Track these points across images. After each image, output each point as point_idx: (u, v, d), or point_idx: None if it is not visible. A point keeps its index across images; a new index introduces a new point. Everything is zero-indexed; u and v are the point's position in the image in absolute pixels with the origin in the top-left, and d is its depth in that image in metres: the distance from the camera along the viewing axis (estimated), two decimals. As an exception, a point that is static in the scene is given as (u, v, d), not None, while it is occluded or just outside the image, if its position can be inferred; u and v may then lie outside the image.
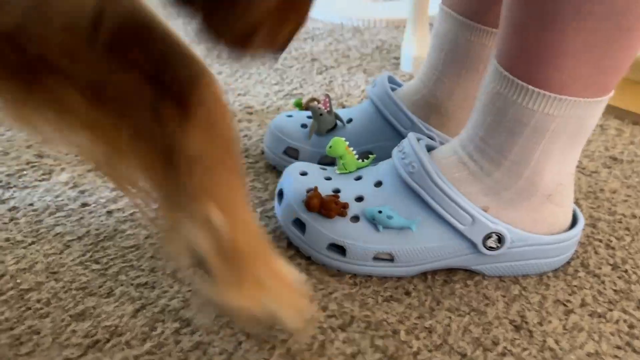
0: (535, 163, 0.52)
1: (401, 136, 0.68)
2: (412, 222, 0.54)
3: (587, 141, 0.54)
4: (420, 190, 0.54)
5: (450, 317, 0.52)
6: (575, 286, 0.56)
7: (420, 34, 1.02)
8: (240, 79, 0.99)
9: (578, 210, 0.59)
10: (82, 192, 0.68)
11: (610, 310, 0.54)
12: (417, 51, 1.02)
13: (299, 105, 0.76)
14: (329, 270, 0.57)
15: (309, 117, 0.72)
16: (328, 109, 0.69)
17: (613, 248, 0.61)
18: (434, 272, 0.57)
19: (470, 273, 0.58)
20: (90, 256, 0.58)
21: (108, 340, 0.49)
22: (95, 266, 0.57)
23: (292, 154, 0.70)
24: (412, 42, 1.03)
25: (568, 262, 0.59)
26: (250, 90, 0.95)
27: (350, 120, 0.71)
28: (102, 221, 0.63)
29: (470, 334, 0.51)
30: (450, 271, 0.58)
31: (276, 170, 0.73)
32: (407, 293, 0.55)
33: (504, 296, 0.55)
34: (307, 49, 1.13)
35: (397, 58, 1.10)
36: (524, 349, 0.49)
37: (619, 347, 0.50)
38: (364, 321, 0.51)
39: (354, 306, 0.53)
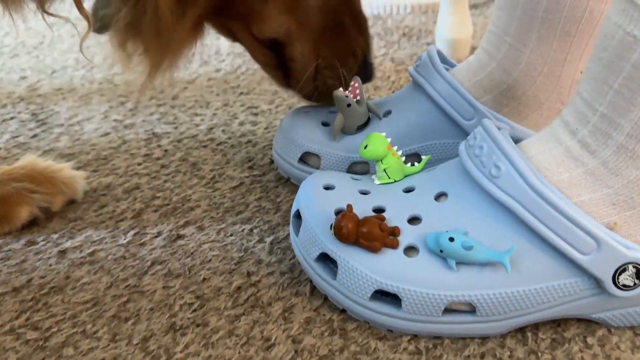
0: None
1: (462, 131, 0.49)
2: (503, 255, 0.35)
3: None
4: (512, 203, 0.36)
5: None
6: None
7: (459, 11, 0.84)
8: (242, 76, 0.81)
9: None
10: (31, 225, 0.50)
11: None
12: (454, 33, 0.84)
13: None
14: (377, 330, 0.38)
15: (332, 112, 0.54)
16: (358, 97, 0.51)
17: None
18: (535, 327, 0.38)
19: (587, 324, 0.38)
20: (27, 318, 0.40)
21: None
22: (31, 334, 0.39)
23: (312, 161, 0.52)
24: (448, 23, 0.84)
25: None
26: (255, 88, 0.77)
27: (388, 113, 0.52)
28: (50, 265, 0.45)
29: None
30: (557, 324, 0.39)
31: (291, 184, 0.54)
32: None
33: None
34: (322, 39, 0.95)
35: (430, 44, 0.92)
36: None
37: None
38: (439, 416, 0.32)
39: (421, 390, 0.34)
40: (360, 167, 0.51)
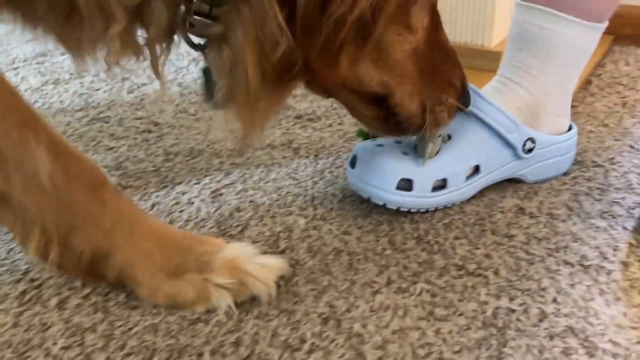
0: None
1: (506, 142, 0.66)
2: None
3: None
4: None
5: (258, 325, 0.50)
6: (382, 265, 0.57)
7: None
8: (39, 110, 0.90)
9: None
10: None
11: (415, 283, 0.55)
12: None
13: (363, 135, 0.71)
14: (131, 303, 0.52)
15: (397, 142, 0.66)
16: None
17: (417, 222, 0.63)
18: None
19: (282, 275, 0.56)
20: None
21: None
22: None
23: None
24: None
25: (377, 240, 0.60)
26: (50, 120, 0.87)
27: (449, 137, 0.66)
28: None
29: (279, 338, 0.49)
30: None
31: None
32: (210, 311, 0.52)
33: (313, 290, 0.54)
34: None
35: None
36: (332, 341, 0.49)
37: (422, 319, 0.51)
38: (167, 351, 0.48)
39: (157, 337, 0.49)
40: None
